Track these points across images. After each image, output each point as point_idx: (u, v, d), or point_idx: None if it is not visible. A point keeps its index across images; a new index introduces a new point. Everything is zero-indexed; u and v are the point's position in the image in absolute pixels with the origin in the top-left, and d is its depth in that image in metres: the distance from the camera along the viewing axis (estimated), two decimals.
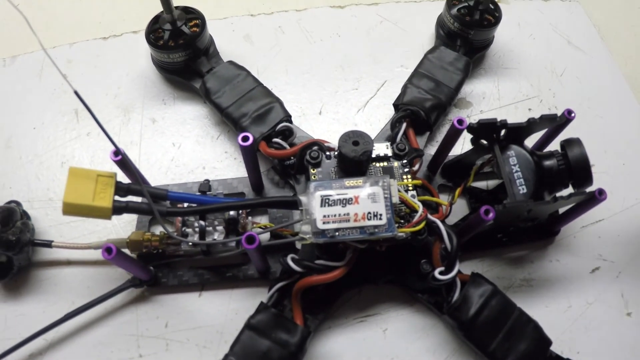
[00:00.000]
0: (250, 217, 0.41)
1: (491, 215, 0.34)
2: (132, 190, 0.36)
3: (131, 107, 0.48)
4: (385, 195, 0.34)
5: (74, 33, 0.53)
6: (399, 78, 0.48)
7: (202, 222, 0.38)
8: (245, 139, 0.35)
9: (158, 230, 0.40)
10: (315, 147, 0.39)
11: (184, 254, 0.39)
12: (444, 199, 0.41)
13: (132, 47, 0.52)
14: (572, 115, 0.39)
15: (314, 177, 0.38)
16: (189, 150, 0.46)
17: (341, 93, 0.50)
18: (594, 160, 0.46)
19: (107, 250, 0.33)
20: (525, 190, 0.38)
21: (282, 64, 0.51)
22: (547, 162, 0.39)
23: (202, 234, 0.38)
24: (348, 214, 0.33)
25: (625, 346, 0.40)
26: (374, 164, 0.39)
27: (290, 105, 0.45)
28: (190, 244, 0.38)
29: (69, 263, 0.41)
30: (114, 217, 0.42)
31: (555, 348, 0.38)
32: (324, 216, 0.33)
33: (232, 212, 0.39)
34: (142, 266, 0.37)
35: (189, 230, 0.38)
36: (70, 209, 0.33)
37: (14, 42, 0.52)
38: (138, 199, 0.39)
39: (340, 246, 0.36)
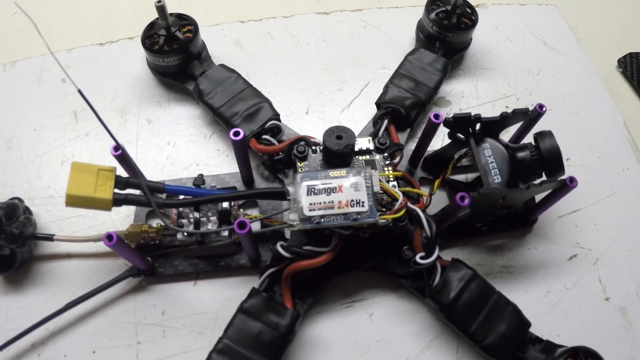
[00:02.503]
0: (242, 209, 0.43)
1: (466, 201, 0.37)
2: (131, 183, 0.38)
3: (127, 109, 0.51)
4: (367, 185, 0.37)
5: (71, 39, 0.55)
6: (381, 79, 0.51)
7: (196, 214, 0.40)
8: (236, 134, 0.38)
9: (155, 223, 0.42)
10: (302, 142, 0.42)
11: (180, 244, 0.41)
12: (425, 190, 0.43)
13: (127, 52, 0.54)
14: (544, 109, 0.42)
15: (301, 169, 0.41)
16: (184, 149, 0.48)
17: (327, 94, 0.52)
18: (570, 154, 0.49)
19: (109, 237, 0.35)
20: (499, 180, 0.40)
21: (270, 67, 0.54)
22: (521, 154, 0.41)
23: (197, 224, 0.40)
24: (332, 202, 0.36)
25: (605, 330, 0.42)
26: (357, 157, 0.42)
27: (278, 105, 0.47)
28: (186, 234, 0.40)
29: (69, 256, 0.43)
30: (112, 212, 0.44)
31: (535, 331, 0.40)
32: (310, 204, 0.36)
33: (225, 204, 0.41)
34: (140, 256, 0.39)
35: (184, 221, 0.41)
36: (73, 201, 0.35)
37: (14, 48, 0.55)
38: (136, 192, 0.41)
39: (326, 232, 0.38)
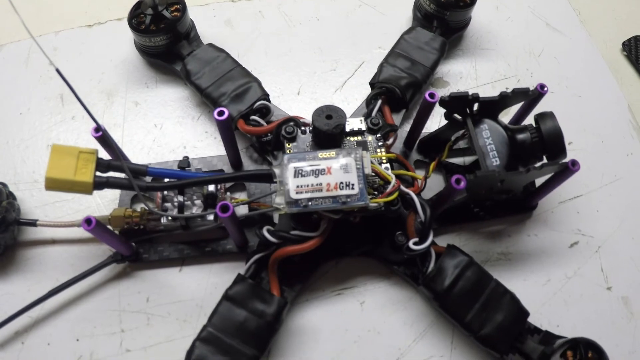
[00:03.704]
0: (229, 193, 0.42)
1: (462, 184, 0.35)
2: (113, 166, 0.37)
3: (115, 91, 0.49)
4: (358, 166, 0.35)
5: (59, 22, 0.54)
6: (376, 59, 0.49)
7: (181, 197, 0.39)
8: (220, 113, 0.36)
9: (140, 207, 0.41)
10: (291, 123, 0.40)
11: (164, 229, 0.40)
12: (420, 174, 0.42)
13: (115, 34, 0.52)
14: (545, 89, 0.40)
15: (289, 151, 0.39)
16: (171, 131, 0.47)
17: (319, 74, 0.51)
18: (572, 137, 0.47)
19: (87, 221, 0.33)
20: (498, 162, 0.38)
21: (262, 47, 0.52)
22: (521, 136, 0.39)
23: (181, 208, 0.39)
24: (321, 184, 0.34)
25: (607, 320, 0.41)
26: (348, 138, 0.40)
27: (269, 86, 0.46)
28: (170, 218, 0.39)
29: (53, 242, 0.42)
30: (98, 196, 0.43)
31: (534, 321, 0.38)
32: (297, 186, 0.34)
33: (210, 188, 0.40)
34: (123, 241, 0.38)
35: (169, 205, 0.39)
36: (53, 184, 0.34)
37: (0, 32, 0.53)
38: (121, 176, 0.40)
39: (314, 217, 0.36)
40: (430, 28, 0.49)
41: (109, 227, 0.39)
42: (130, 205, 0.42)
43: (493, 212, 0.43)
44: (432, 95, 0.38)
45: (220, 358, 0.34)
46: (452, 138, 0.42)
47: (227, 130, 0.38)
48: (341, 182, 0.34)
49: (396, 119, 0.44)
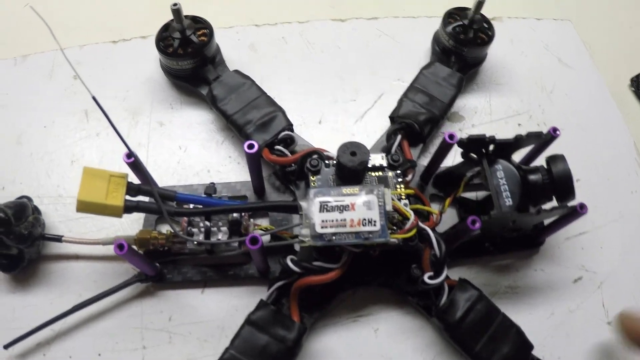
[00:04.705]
0: (252, 220, 0.43)
1: (477, 225, 0.37)
2: (143, 190, 0.38)
3: (139, 111, 0.50)
4: (380, 203, 0.37)
5: (84, 36, 0.55)
6: (395, 90, 0.50)
7: (207, 223, 0.41)
8: (250, 146, 0.38)
9: (164, 228, 0.43)
10: (315, 156, 0.41)
11: (189, 252, 0.41)
12: (435, 208, 0.43)
13: (140, 52, 0.54)
14: (557, 132, 0.42)
15: (314, 183, 0.41)
16: (195, 154, 0.48)
17: (340, 103, 0.52)
18: (580, 174, 0.49)
19: (119, 246, 0.35)
20: (510, 202, 0.40)
21: (284, 73, 0.54)
22: (532, 177, 0.41)
23: (207, 233, 0.40)
24: (345, 220, 0.36)
25: (604, 353, 0.43)
26: (369, 173, 0.41)
27: (291, 113, 0.47)
28: (196, 243, 0.40)
29: (77, 257, 0.43)
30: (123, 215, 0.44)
31: (537, 353, 0.40)
32: (322, 221, 0.36)
33: (235, 214, 0.41)
34: (149, 262, 0.39)
35: (195, 229, 0.41)
36: (84, 207, 0.35)
37: (25, 42, 0.54)
38: (147, 199, 0.41)
39: (336, 249, 0.38)
40: (448, 62, 0.50)
41: (134, 246, 0.41)
42: (154, 227, 0.43)
43: (502, 248, 0.45)
44: (451, 137, 0.40)
45: None
46: (468, 174, 0.44)
47: (255, 161, 0.40)
48: (364, 219, 0.36)
49: (414, 152, 0.46)
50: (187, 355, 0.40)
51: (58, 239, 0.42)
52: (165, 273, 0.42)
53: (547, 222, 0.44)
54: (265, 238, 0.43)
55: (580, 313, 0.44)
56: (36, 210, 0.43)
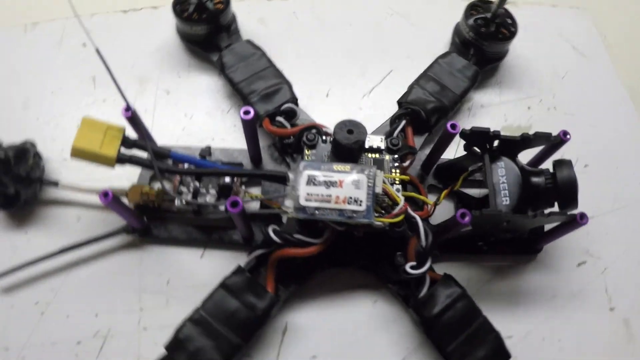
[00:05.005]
0: (244, 187, 0.43)
1: (467, 219, 0.35)
2: (138, 145, 0.38)
3: (147, 79, 0.50)
4: (369, 184, 0.36)
5: (94, 5, 0.55)
6: (404, 68, 0.50)
7: (197, 184, 0.41)
8: (246, 112, 0.37)
9: (157, 187, 0.43)
10: (314, 130, 0.41)
11: (177, 211, 0.41)
12: (432, 199, 0.42)
13: (150, 21, 0.53)
14: (567, 137, 0.40)
15: (308, 157, 0.40)
16: (200, 121, 0.48)
17: (348, 78, 0.52)
18: (588, 160, 0.49)
19: (104, 194, 0.35)
20: (508, 202, 0.39)
21: (293, 47, 0.53)
22: (535, 179, 0.40)
23: (195, 194, 0.40)
24: (330, 196, 0.35)
25: (607, 340, 0.42)
26: (366, 154, 0.41)
27: (299, 86, 0.46)
28: (184, 202, 0.40)
29: (72, 204, 0.44)
30: (121, 172, 0.44)
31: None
32: (308, 194, 0.35)
33: (227, 179, 0.41)
34: (135, 215, 0.40)
35: (184, 189, 0.41)
36: (78, 153, 0.36)
37: (35, 9, 0.54)
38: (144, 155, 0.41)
39: (320, 225, 0.37)
40: (467, 54, 0.49)
41: (126, 199, 0.41)
42: (149, 182, 0.44)
43: (496, 248, 0.43)
44: (453, 127, 0.39)
45: (205, 340, 0.36)
46: (469, 169, 0.42)
47: (251, 129, 0.40)
48: (350, 197, 0.35)
49: (418, 141, 0.45)
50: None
51: (55, 183, 0.43)
52: (152, 228, 0.42)
53: (548, 227, 0.42)
54: (255, 206, 0.43)
55: (583, 297, 0.44)
56: (37, 155, 0.44)
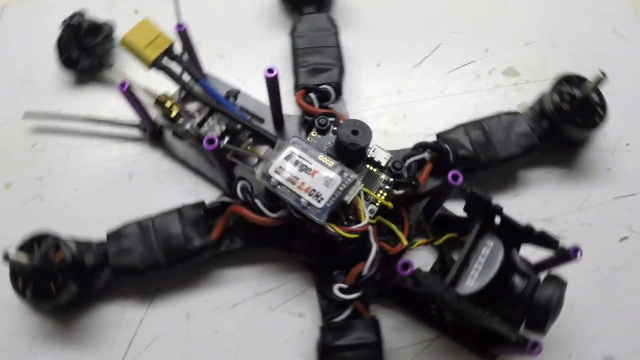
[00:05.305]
0: (251, 140, 0.44)
1: (459, 180, 0.35)
2: (178, 59, 0.41)
3: (199, 44, 0.46)
4: (340, 188, 0.35)
5: None
6: (452, 42, 0.52)
7: (207, 116, 0.43)
8: (270, 71, 0.38)
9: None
10: (331, 118, 0.40)
11: (183, 132, 0.44)
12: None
13: None
14: (579, 255, 0.34)
15: (310, 139, 0.40)
16: (253, 86, 0.48)
17: (398, 51, 0.52)
18: (630, 139, 0.47)
19: (122, 84, 0.39)
20: (471, 284, 0.34)
21: (346, 15, 0.53)
22: (515, 280, 0.34)
23: (202, 123, 0.43)
24: (298, 179, 0.35)
25: None
26: (366, 165, 0.39)
27: (350, 53, 0.47)
28: (189, 125, 0.43)
29: (115, 90, 0.47)
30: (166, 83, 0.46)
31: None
32: (279, 167, 0.35)
33: (238, 126, 0.42)
34: (147, 115, 0.43)
35: (197, 116, 0.43)
36: (125, 44, 0.40)
37: None
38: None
39: (281, 203, 0.37)
40: (538, 125, 0.43)
41: (151, 100, 0.45)
42: (178, 98, 0.46)
43: (442, 327, 0.39)
44: (455, 177, 0.35)
45: (138, 245, 0.38)
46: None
47: (273, 88, 0.40)
48: (314, 190, 0.35)
49: (433, 181, 0.42)
50: None
51: (110, 65, 0.49)
52: (162, 135, 0.45)
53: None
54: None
55: (625, 272, 0.42)
56: (109, 38, 0.49)
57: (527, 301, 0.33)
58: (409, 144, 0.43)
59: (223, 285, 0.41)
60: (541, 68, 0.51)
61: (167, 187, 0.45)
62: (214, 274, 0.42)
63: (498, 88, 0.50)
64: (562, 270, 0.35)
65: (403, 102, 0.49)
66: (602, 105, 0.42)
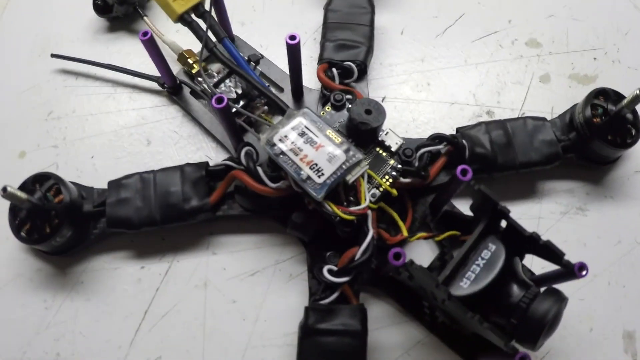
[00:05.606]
0: (266, 107, 0.43)
1: (469, 175, 0.33)
2: (204, 16, 0.41)
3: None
4: (343, 166, 0.34)
5: None
6: (476, 12, 0.52)
7: (227, 78, 0.42)
8: (292, 37, 0.37)
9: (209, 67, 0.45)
10: (349, 96, 0.39)
11: (200, 91, 0.44)
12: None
13: None
14: (584, 273, 0.32)
15: (323, 113, 0.39)
16: (275, 55, 0.47)
17: (420, 20, 0.51)
18: None
19: (144, 33, 0.39)
20: (466, 286, 0.33)
21: None
22: (513, 289, 0.33)
23: (218, 84, 0.42)
24: (301, 150, 0.34)
25: None
26: (376, 148, 0.38)
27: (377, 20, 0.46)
28: (205, 85, 0.42)
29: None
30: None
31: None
32: (285, 136, 0.34)
33: (255, 92, 0.42)
34: (167, 69, 0.43)
35: (216, 74, 0.43)
36: None
37: None
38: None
39: (282, 173, 0.36)
40: (565, 131, 0.41)
41: (174, 54, 0.44)
42: (201, 57, 0.46)
43: (435, 329, 0.38)
44: (464, 172, 0.34)
45: (136, 197, 0.38)
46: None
47: (294, 55, 0.39)
48: (316, 164, 0.34)
49: (443, 175, 0.40)
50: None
51: (143, 15, 0.48)
52: (182, 91, 0.45)
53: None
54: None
55: None
56: None
57: (522, 312, 0.32)
58: (433, 112, 0.44)
59: (242, 254, 0.41)
60: (563, 40, 0.50)
61: (185, 154, 0.44)
62: (233, 241, 0.41)
63: (521, 59, 0.49)
64: (586, 239, 0.37)
65: (426, 70, 0.48)
66: (636, 125, 0.40)
